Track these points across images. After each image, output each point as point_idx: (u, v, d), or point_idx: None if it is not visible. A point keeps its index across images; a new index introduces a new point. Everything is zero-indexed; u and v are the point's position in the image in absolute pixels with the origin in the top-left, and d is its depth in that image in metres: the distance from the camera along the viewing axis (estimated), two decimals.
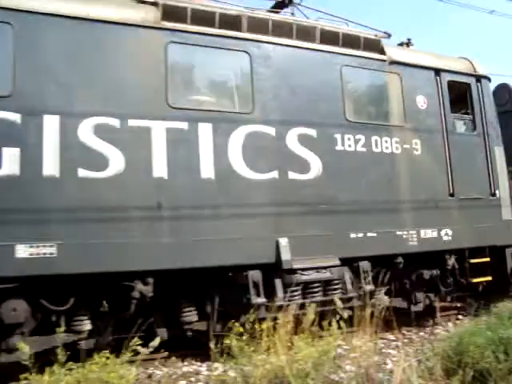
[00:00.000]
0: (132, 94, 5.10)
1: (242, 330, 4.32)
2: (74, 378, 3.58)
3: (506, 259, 7.18)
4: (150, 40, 5.29)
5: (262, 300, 5.36)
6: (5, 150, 4.51)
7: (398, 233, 6.30)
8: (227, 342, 4.15)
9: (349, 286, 5.87)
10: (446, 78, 7.07)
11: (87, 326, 4.98)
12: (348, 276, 5.92)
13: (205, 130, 5.35)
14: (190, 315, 5.45)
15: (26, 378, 3.59)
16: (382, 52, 6.71)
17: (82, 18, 5.00)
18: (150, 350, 4.01)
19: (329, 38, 6.37)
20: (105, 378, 3.56)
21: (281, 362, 3.74)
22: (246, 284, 5.37)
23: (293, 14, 7.29)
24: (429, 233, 6.51)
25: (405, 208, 6.41)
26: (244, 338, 4.20)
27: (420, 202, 6.53)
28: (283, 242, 5.52)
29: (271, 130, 5.71)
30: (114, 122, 4.95)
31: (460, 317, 7.26)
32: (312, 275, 5.64)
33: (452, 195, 6.80)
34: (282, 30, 6.11)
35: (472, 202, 6.91)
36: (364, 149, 6.26)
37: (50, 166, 4.65)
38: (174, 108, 5.24)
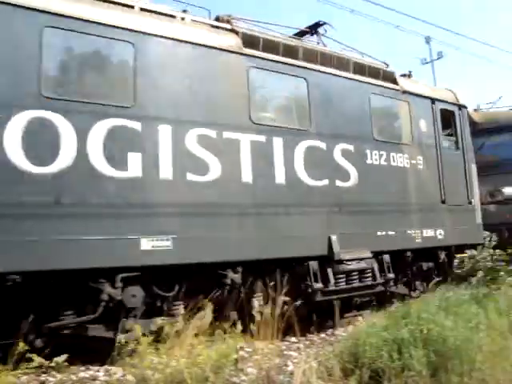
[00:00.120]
0: (225, 110, 5.94)
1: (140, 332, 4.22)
2: None
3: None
4: (237, 64, 6.17)
5: (319, 285, 6.47)
6: (130, 154, 5.16)
7: (409, 232, 7.74)
8: (131, 346, 4.01)
9: (377, 274, 7.18)
10: (439, 106, 8.71)
11: (182, 310, 5.73)
12: (376, 266, 7.22)
13: (277, 143, 6.33)
14: (256, 299, 6.38)
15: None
16: (396, 82, 8.14)
17: (189, 42, 5.75)
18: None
19: (359, 68, 7.65)
20: None
21: (181, 366, 3.67)
22: (304, 273, 6.45)
23: (318, 43, 8.47)
24: (429, 232, 8.04)
25: (412, 211, 7.87)
26: (150, 340, 4.06)
27: (422, 207, 8.03)
28: (334, 237, 6.67)
29: (323, 145, 6.84)
30: (213, 134, 5.77)
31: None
32: (353, 265, 6.86)
33: (443, 202, 8.41)
34: (326, 59, 7.27)
35: (456, 208, 8.59)
36: (385, 163, 7.61)
37: (165, 169, 5.37)
38: (255, 124, 6.17)
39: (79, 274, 4.86)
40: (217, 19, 6.68)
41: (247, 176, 5.99)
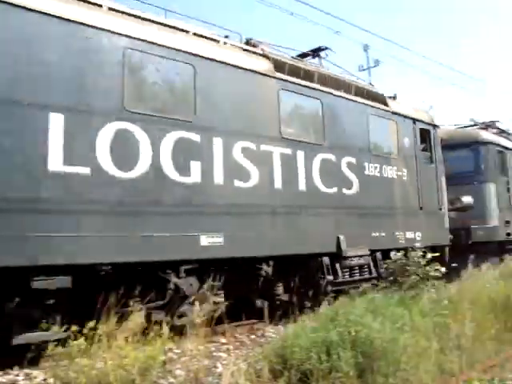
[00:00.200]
0: (262, 125, 6.89)
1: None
2: None
3: (444, 255, 10.50)
4: (270, 86, 7.13)
5: (330, 277, 7.58)
6: (192, 162, 5.98)
7: (395, 233, 9.06)
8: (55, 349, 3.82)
9: (373, 269, 8.41)
10: (419, 126, 10.14)
11: (222, 298, 6.61)
12: (371, 262, 8.45)
13: (300, 155, 7.36)
14: (280, 288, 7.38)
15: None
16: (386, 104, 9.45)
17: (233, 65, 6.63)
18: None
19: (359, 92, 8.86)
20: None
21: (107, 368, 3.57)
22: (317, 267, 7.53)
23: (320, 65, 9.59)
24: (410, 234, 9.41)
25: (398, 216, 9.19)
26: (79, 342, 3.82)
27: (405, 212, 9.39)
28: (341, 237, 7.81)
29: (333, 158, 7.95)
30: (253, 146, 6.70)
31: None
32: (355, 261, 8.03)
33: (421, 208, 9.83)
34: (335, 83, 8.39)
35: (430, 214, 10.05)
36: (379, 174, 8.88)
37: (218, 176, 6.23)
38: (284, 138, 7.16)
39: (149, 267, 5.61)
40: (247, 43, 7.60)
41: (278, 183, 6.97)
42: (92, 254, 4.97)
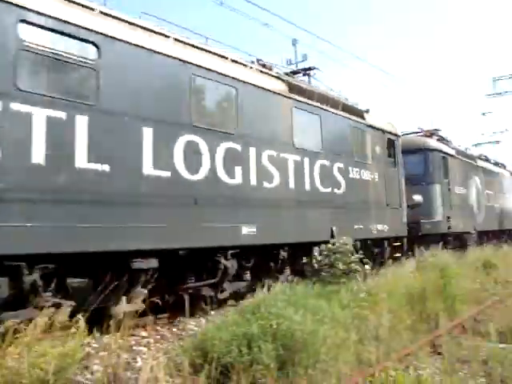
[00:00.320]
0: (281, 137, 8.42)
1: None
2: None
3: (403, 244, 12.68)
4: (286, 104, 8.68)
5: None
6: (236, 167, 7.40)
7: (370, 226, 11.01)
8: None
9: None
10: (387, 136, 12.18)
11: (249, 277, 8.11)
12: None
13: (306, 161, 9.01)
14: (288, 270, 8.99)
15: None
16: (363, 118, 11.34)
17: (260, 87, 8.11)
18: None
19: (345, 108, 10.65)
20: None
21: (20, 366, 3.37)
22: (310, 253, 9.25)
23: (309, 82, 11.26)
24: (380, 227, 11.41)
25: (372, 211, 11.15)
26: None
27: (376, 208, 11.37)
28: (334, 228, 9.58)
29: (328, 163, 9.68)
30: (275, 154, 8.23)
31: None
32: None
33: (387, 205, 11.89)
34: (329, 101, 10.11)
35: (393, 210, 12.15)
36: (359, 176, 10.76)
37: (253, 178, 7.70)
38: (295, 148, 8.76)
39: (204, 251, 6.99)
40: (264, 66, 9.07)
41: (292, 183, 8.57)
42: (174, 241, 6.29)
